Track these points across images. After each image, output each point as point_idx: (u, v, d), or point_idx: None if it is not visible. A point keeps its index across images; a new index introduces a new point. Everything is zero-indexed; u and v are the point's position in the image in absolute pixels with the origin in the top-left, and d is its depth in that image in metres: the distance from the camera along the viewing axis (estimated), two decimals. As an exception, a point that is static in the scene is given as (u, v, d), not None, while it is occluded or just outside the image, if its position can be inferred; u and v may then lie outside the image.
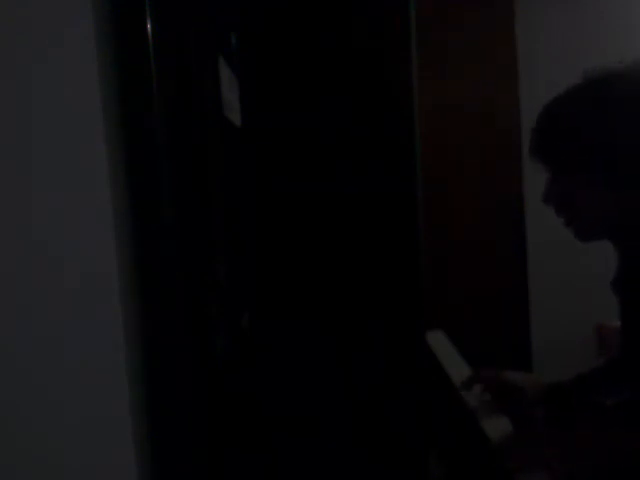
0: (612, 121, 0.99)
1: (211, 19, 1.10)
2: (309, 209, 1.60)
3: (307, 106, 1.57)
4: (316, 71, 1.56)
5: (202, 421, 0.86)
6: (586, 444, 1.01)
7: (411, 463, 1.60)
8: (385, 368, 1.61)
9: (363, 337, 1.61)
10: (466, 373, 1.42)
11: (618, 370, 1.26)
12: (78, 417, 0.69)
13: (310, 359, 1.59)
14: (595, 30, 2.44)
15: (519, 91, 2.39)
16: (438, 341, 1.69)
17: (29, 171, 0.66)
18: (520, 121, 2.36)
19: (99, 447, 0.69)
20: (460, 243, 2.38)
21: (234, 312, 1.19)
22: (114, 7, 0.72)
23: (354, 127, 1.57)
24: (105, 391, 0.69)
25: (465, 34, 2.33)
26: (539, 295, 2.48)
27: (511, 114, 2.35)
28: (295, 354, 1.58)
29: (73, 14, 0.66)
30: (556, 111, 1.07)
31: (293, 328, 1.58)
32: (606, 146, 0.99)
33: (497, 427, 1.13)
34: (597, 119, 1.00)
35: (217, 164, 1.08)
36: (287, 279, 1.60)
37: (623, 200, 1.02)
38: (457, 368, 1.45)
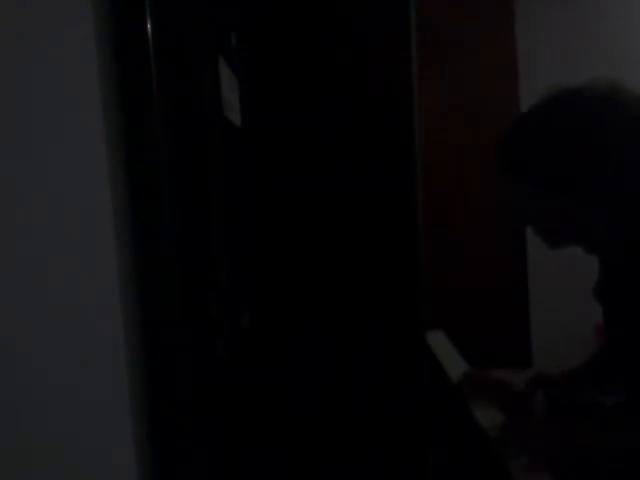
0: (565, 140, 0.99)
1: (211, 19, 1.10)
2: (309, 209, 1.59)
3: (307, 106, 1.57)
4: (316, 71, 1.56)
5: (202, 421, 0.86)
6: (586, 444, 1.02)
7: (411, 463, 1.60)
8: (385, 368, 1.61)
9: (363, 337, 1.61)
10: None
11: (608, 367, 1.27)
12: (78, 417, 0.69)
13: (310, 359, 1.59)
14: (595, 30, 2.43)
15: (519, 91, 2.38)
16: (438, 341, 1.69)
17: (29, 171, 0.66)
18: (520, 121, 2.36)
19: (99, 447, 0.70)
20: (460, 243, 2.38)
21: (234, 312, 1.19)
22: (114, 7, 0.72)
23: (354, 127, 1.57)
24: (105, 391, 0.69)
25: (465, 34, 2.33)
26: (539, 295, 2.48)
27: (511, 114, 2.35)
28: (295, 354, 1.58)
29: (73, 14, 0.66)
30: (514, 132, 1.09)
31: (293, 328, 1.58)
32: (555, 164, 1.00)
33: (491, 418, 1.14)
34: (550, 140, 1.01)
35: (217, 164, 1.08)
36: (287, 279, 1.60)
37: (579, 216, 1.03)
38: (457, 368, 1.45)
